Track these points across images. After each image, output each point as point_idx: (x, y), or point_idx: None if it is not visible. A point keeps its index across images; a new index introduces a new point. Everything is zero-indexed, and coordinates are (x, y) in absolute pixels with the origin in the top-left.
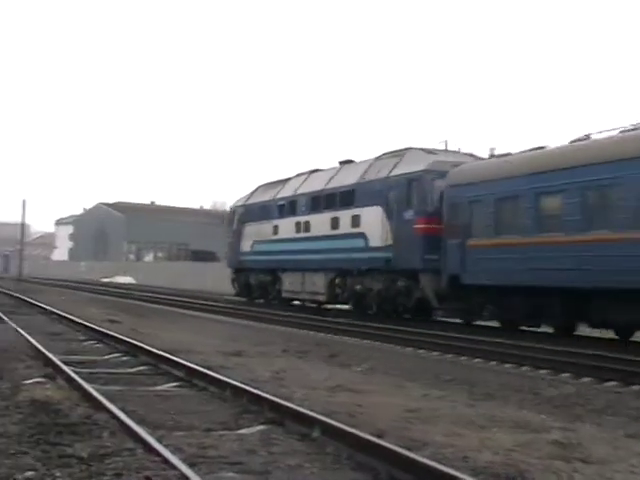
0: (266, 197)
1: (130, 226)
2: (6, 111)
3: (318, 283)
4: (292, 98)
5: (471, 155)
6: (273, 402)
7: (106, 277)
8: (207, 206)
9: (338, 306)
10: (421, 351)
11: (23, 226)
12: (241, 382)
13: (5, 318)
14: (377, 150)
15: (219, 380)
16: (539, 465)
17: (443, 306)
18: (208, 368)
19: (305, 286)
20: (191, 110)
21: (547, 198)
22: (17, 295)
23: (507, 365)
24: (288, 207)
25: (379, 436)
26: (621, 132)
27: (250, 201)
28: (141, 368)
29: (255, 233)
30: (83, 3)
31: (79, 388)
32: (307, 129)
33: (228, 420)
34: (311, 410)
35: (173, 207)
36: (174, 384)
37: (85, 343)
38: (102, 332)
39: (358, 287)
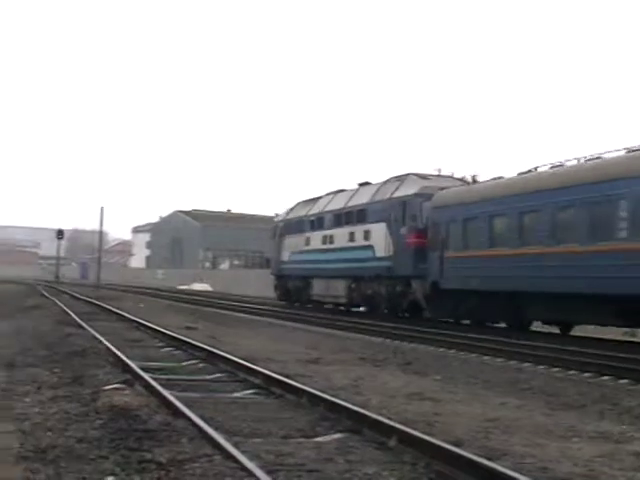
0: (301, 213)
1: (206, 234)
2: (84, 119)
3: (339, 288)
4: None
5: (460, 180)
6: (350, 410)
7: (183, 284)
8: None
9: (356, 309)
10: (486, 358)
11: (101, 234)
12: (318, 390)
13: (85, 325)
14: (396, 170)
15: (296, 388)
16: (621, 477)
17: (429, 306)
18: (285, 376)
19: (329, 290)
20: (268, 120)
21: (495, 220)
22: (96, 302)
23: (586, 374)
24: (317, 222)
25: (457, 445)
26: (551, 167)
27: (289, 216)
28: (219, 375)
29: (292, 245)
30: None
31: (157, 394)
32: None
33: (305, 428)
34: (388, 418)
35: (248, 215)
36: (251, 391)
37: (163, 350)
38: (180, 339)
39: (369, 291)
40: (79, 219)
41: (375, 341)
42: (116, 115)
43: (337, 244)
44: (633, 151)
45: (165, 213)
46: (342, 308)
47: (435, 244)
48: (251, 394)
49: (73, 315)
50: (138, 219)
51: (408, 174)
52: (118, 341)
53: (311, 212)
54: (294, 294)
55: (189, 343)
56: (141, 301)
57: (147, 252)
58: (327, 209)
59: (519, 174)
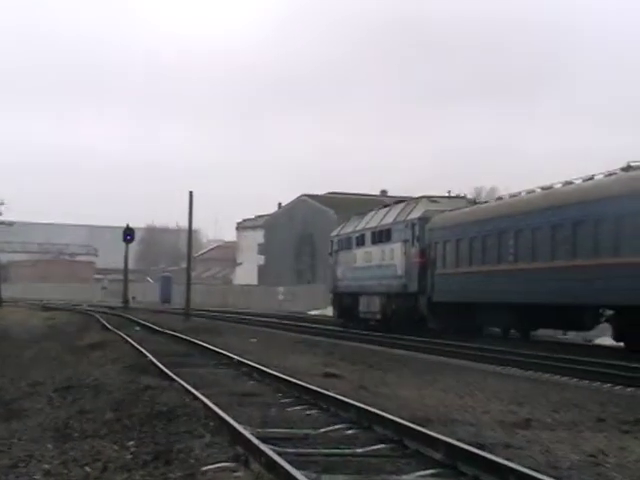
0: (350, 228)
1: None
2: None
3: (376, 304)
4: None
5: (470, 201)
6: None
7: (316, 309)
8: None
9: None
10: None
11: (190, 232)
12: (536, 471)
13: (170, 372)
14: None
15: (500, 466)
16: None
17: (430, 319)
18: (481, 447)
19: (370, 307)
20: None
21: (461, 243)
22: (185, 337)
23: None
24: (360, 239)
25: None
26: (528, 193)
27: (342, 231)
28: (377, 447)
29: (343, 261)
30: None
31: (287, 477)
32: None
33: None
34: None
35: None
36: (430, 472)
37: (290, 409)
38: (316, 392)
39: (393, 306)
40: (148, 215)
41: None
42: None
43: (374, 262)
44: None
45: (287, 199)
46: (373, 323)
47: (432, 262)
48: (429, 476)
49: (152, 358)
50: (247, 210)
51: (422, 197)
52: (222, 396)
53: (357, 228)
54: (347, 312)
55: (329, 397)
56: (253, 335)
57: (259, 259)
58: (368, 226)
59: (496, 199)
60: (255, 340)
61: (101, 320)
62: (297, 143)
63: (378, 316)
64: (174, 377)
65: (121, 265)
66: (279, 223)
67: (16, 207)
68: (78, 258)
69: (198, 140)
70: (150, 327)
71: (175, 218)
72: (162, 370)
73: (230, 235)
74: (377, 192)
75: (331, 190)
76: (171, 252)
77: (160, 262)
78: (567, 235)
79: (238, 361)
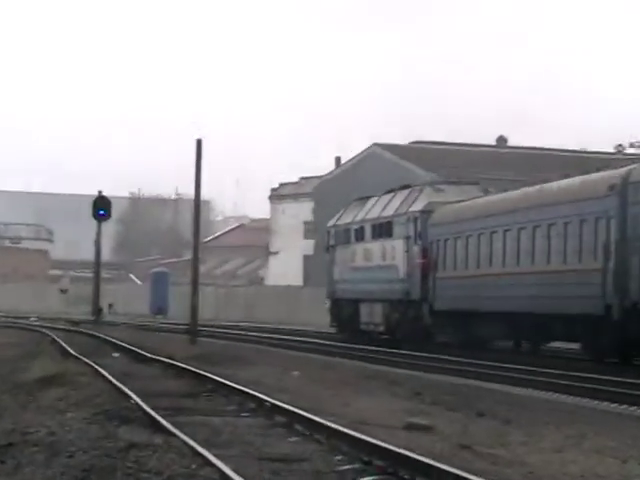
0: (349, 218)
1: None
2: None
3: (378, 313)
4: None
5: (484, 189)
6: None
7: None
8: None
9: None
10: None
11: (198, 207)
12: None
13: (167, 424)
14: None
15: None
16: None
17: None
18: None
19: (372, 317)
20: None
21: (478, 239)
22: (192, 369)
23: None
24: (360, 232)
25: None
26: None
27: (340, 221)
28: None
29: (341, 259)
30: None
31: None
32: None
33: None
34: None
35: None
36: None
37: None
38: (394, 453)
39: (396, 316)
40: (133, 181)
41: None
42: None
43: (374, 261)
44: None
45: (348, 154)
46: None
47: (431, 264)
48: None
49: (138, 400)
50: (280, 174)
51: (426, 184)
52: (247, 461)
53: (357, 218)
54: (346, 322)
55: (415, 463)
56: (296, 364)
57: (306, 246)
58: (368, 216)
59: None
60: (298, 373)
61: (59, 341)
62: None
63: (381, 328)
64: (172, 430)
65: (89, 256)
66: (337, 189)
67: None
68: (23, 244)
69: (207, 67)
70: (136, 352)
71: (174, 184)
72: (154, 419)
73: (260, 209)
74: (494, 141)
75: (417, 138)
76: (168, 236)
77: (151, 251)
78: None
79: (272, 405)
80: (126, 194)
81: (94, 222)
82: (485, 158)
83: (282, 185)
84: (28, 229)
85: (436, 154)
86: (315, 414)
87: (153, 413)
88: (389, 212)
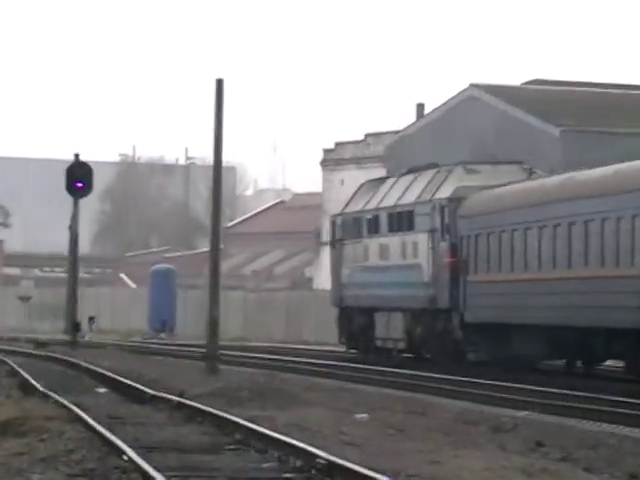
0: (360, 205)
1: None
2: None
3: (398, 326)
4: None
5: (527, 169)
6: None
7: None
8: None
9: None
10: None
11: (219, 174)
12: None
13: None
14: None
15: None
16: None
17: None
18: None
19: (390, 331)
20: None
21: (522, 235)
22: (211, 411)
23: None
24: (373, 223)
25: None
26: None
27: (348, 208)
28: None
29: (351, 257)
30: None
31: None
32: None
33: None
34: None
35: None
36: None
37: None
38: None
39: (419, 329)
40: (125, 141)
41: None
42: None
43: (392, 260)
44: None
45: (434, 101)
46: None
47: (460, 265)
48: None
49: (132, 455)
50: (334, 131)
51: (457, 164)
52: None
53: (370, 205)
54: (358, 336)
55: None
56: (361, 403)
57: None
58: (384, 203)
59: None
60: (367, 417)
61: (18, 370)
62: None
63: (401, 344)
64: None
65: (61, 247)
66: (420, 147)
67: None
68: None
69: None
70: (130, 387)
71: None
72: None
73: (306, 180)
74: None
75: (536, 76)
76: (174, 218)
77: (151, 240)
78: None
79: (328, 462)
80: (115, 158)
81: (68, 199)
82: (622, 103)
83: (339, 145)
84: None
85: (556, 98)
86: (390, 476)
87: (156, 474)
88: (410, 199)
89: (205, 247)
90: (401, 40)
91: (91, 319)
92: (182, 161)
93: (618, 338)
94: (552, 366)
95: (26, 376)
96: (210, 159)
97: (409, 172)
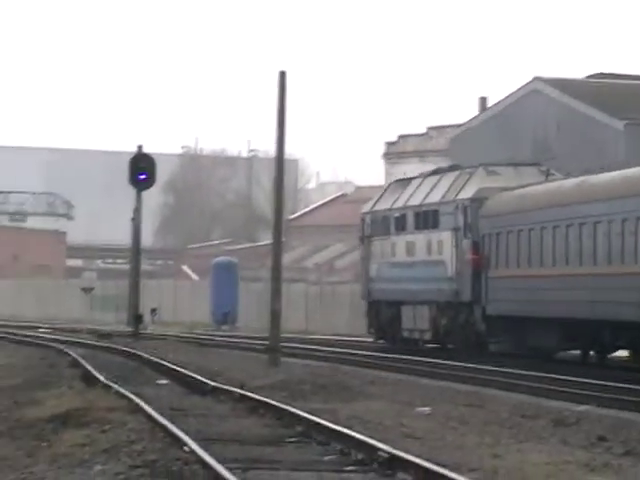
0: (388, 204)
1: None
2: None
3: (424, 318)
4: None
5: (544, 171)
6: None
7: None
8: None
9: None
10: None
11: (281, 166)
12: None
13: None
14: None
15: None
16: None
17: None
18: None
19: (416, 322)
20: None
21: (539, 233)
22: (273, 403)
23: None
24: (401, 221)
25: None
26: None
27: (377, 207)
28: None
29: (378, 252)
30: None
31: None
32: None
33: None
34: None
35: None
36: None
37: None
38: None
39: (444, 321)
40: (186, 134)
41: None
42: None
43: (418, 256)
44: None
45: (497, 95)
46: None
47: (482, 261)
48: None
49: (194, 446)
50: (397, 124)
51: (478, 166)
52: None
53: (397, 204)
54: (386, 328)
55: None
56: (423, 396)
57: None
58: (410, 202)
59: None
60: (429, 410)
61: (81, 362)
62: None
63: (427, 335)
64: None
65: (124, 239)
66: (482, 141)
67: None
68: (29, 222)
69: None
70: (191, 379)
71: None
72: (219, 475)
73: (369, 173)
74: None
75: (600, 70)
76: (237, 210)
77: (213, 233)
78: None
79: (390, 455)
80: (178, 150)
81: (131, 191)
82: None
83: (402, 138)
84: (37, 200)
85: (620, 91)
86: (452, 470)
87: (217, 466)
88: (435, 198)
89: (267, 240)
90: (465, 33)
91: (153, 311)
92: (244, 153)
93: (624, 330)
94: (569, 357)
95: (88, 367)
96: (273, 152)
97: (434, 173)
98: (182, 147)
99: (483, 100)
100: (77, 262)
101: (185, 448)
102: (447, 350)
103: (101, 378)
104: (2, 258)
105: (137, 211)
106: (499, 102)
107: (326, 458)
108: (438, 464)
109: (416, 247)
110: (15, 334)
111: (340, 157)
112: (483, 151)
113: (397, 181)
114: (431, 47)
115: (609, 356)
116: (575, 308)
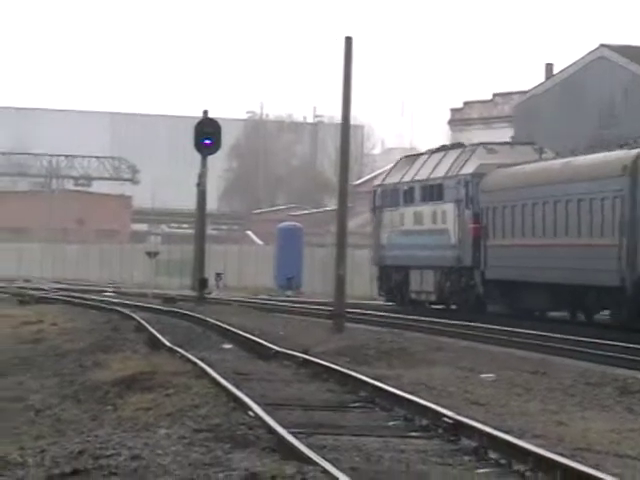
0: (397, 178)
1: None
2: None
3: (429, 281)
4: None
5: (538, 149)
6: None
7: None
8: None
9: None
10: None
11: (347, 132)
12: None
13: (301, 446)
14: None
15: None
16: None
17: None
18: None
19: (422, 285)
20: None
21: (528, 209)
22: (338, 367)
23: None
24: (409, 194)
25: None
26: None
27: (387, 180)
28: None
29: (388, 222)
30: None
31: None
32: None
33: None
34: None
35: None
36: None
37: None
38: None
39: (448, 284)
40: (249, 98)
41: None
42: None
43: (425, 225)
44: None
45: (563, 61)
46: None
47: (482, 230)
48: None
49: (258, 411)
50: (461, 91)
51: (479, 145)
52: None
53: (405, 178)
54: (395, 291)
55: None
56: (488, 363)
57: None
58: (418, 177)
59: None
60: (493, 377)
61: (146, 326)
62: None
63: (433, 297)
64: (310, 455)
65: (189, 203)
66: (548, 108)
67: None
68: (94, 186)
69: None
70: (255, 344)
71: (311, 103)
72: (283, 440)
73: (433, 140)
74: None
75: None
76: (302, 175)
77: (277, 198)
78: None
79: (454, 421)
80: (243, 115)
81: (196, 156)
82: None
83: (467, 104)
84: (102, 165)
85: None
86: (517, 437)
87: (282, 431)
88: (439, 173)
89: (332, 205)
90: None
91: (218, 276)
92: (310, 119)
93: (604, 293)
94: (558, 317)
95: (153, 331)
96: (338, 117)
97: (439, 150)
98: (247, 112)
99: (549, 66)
100: (142, 227)
101: (250, 413)
102: (450, 310)
103: (166, 342)
104: (68, 222)
105: (202, 176)
106: (565, 69)
107: (390, 424)
108: (502, 430)
109: (423, 217)
110: (80, 298)
111: (406, 123)
112: (548, 118)
113: (405, 157)
114: (499, 12)
115: (595, 316)
116: (561, 274)
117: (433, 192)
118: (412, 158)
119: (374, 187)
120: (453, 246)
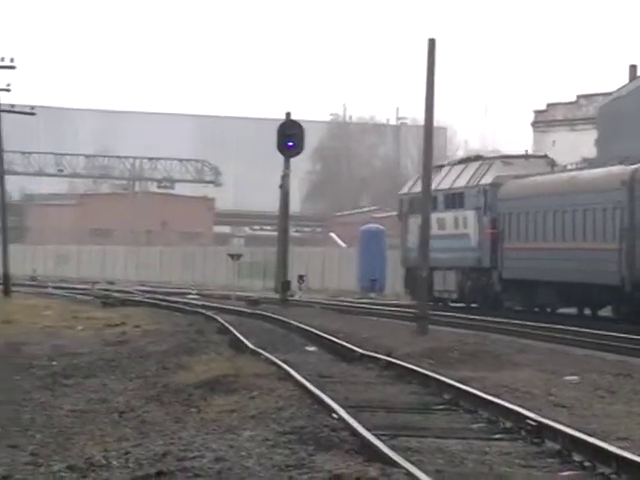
0: (422, 187)
1: None
2: None
3: (452, 281)
4: None
5: (550, 162)
6: None
7: None
8: None
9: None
10: None
11: (430, 136)
12: None
13: (384, 448)
14: None
15: None
16: None
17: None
18: None
19: (445, 284)
20: None
21: (540, 216)
22: (421, 370)
23: None
24: (433, 201)
25: None
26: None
27: (413, 189)
28: None
29: (414, 227)
30: None
31: None
32: None
33: None
34: None
35: None
36: None
37: None
38: None
39: (469, 283)
40: (333, 101)
41: None
42: None
43: (447, 230)
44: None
45: None
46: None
47: (499, 235)
48: None
49: (342, 413)
50: (544, 92)
51: (497, 158)
52: None
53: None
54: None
55: None
56: (572, 365)
57: None
58: (440, 187)
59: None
60: (577, 379)
61: (229, 328)
62: None
63: (455, 295)
64: (394, 458)
65: (271, 206)
66: (632, 110)
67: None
68: (177, 189)
69: None
70: (339, 346)
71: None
72: (367, 442)
73: (516, 142)
74: None
75: None
76: (385, 177)
77: (361, 199)
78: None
79: (538, 424)
80: (326, 117)
81: (279, 158)
82: None
83: (551, 106)
84: (185, 167)
85: None
86: (601, 439)
87: (365, 433)
88: (461, 183)
89: None
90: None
91: (301, 278)
92: (393, 121)
93: (606, 291)
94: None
95: (237, 334)
96: (421, 119)
97: (460, 162)
98: (330, 114)
99: (633, 68)
100: (225, 229)
101: (333, 415)
102: (470, 308)
103: (249, 344)
104: (151, 224)
105: (285, 178)
106: None
107: (474, 426)
108: (586, 433)
109: (445, 223)
110: (163, 300)
111: (489, 125)
112: (632, 120)
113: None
114: (582, 13)
115: (599, 312)
116: (569, 274)
117: (455, 200)
118: (435, 169)
119: (400, 195)
120: (473, 249)
